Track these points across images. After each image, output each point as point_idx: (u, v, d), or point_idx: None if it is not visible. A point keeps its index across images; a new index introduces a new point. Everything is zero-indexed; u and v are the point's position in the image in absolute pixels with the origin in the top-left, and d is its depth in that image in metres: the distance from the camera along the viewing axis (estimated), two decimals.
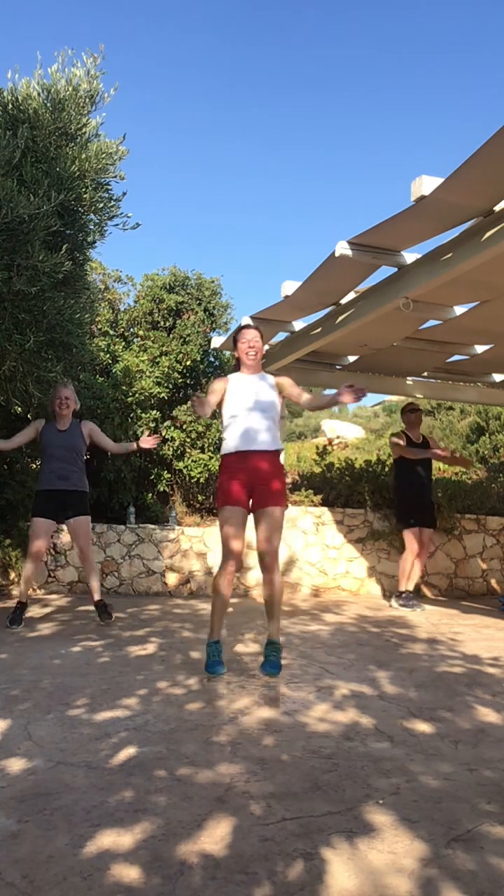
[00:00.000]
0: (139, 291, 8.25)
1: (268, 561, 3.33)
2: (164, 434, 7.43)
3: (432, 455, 6.10)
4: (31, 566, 4.53)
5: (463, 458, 7.14)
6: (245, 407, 3.40)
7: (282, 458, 3.62)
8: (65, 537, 5.99)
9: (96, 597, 4.64)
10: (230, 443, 3.41)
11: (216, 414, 3.69)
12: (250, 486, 3.35)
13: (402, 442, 6.10)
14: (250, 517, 3.43)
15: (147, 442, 4.75)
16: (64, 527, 5.08)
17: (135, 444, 4.81)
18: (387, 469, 7.21)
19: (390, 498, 6.66)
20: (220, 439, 3.62)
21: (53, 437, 4.61)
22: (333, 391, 3.46)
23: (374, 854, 1.58)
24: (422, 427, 6.70)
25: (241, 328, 3.65)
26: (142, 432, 7.17)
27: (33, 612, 5.09)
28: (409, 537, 5.93)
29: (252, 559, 6.00)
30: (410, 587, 5.91)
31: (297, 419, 27.27)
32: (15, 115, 3.90)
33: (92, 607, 4.82)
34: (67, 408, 4.62)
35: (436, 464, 8.51)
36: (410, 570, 5.91)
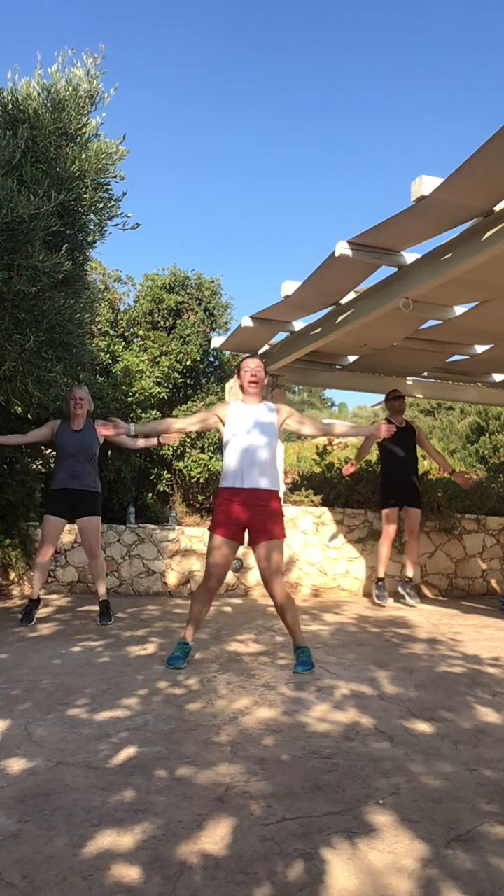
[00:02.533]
0: (139, 291, 8.24)
1: (269, 587, 3.46)
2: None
3: (437, 460, 6.34)
4: (40, 568, 4.59)
5: (468, 478, 7.05)
6: (242, 442, 3.49)
7: (279, 461, 3.70)
8: (65, 537, 5.98)
9: (102, 596, 4.66)
10: (229, 476, 3.49)
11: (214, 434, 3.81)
12: (246, 522, 3.44)
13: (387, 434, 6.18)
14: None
15: (169, 438, 4.74)
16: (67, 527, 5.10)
17: (142, 442, 4.82)
18: None
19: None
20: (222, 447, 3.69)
21: (68, 437, 4.65)
22: (347, 425, 3.67)
23: (375, 854, 1.58)
24: (422, 427, 6.72)
25: (244, 358, 3.74)
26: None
27: (24, 614, 5.08)
28: (386, 519, 5.98)
29: (252, 559, 6.00)
30: (409, 574, 5.99)
31: None
32: (15, 115, 3.89)
33: (95, 607, 4.85)
34: (81, 408, 4.67)
35: (436, 463, 8.53)
36: (386, 555, 6.00)
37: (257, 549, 3.44)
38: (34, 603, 4.54)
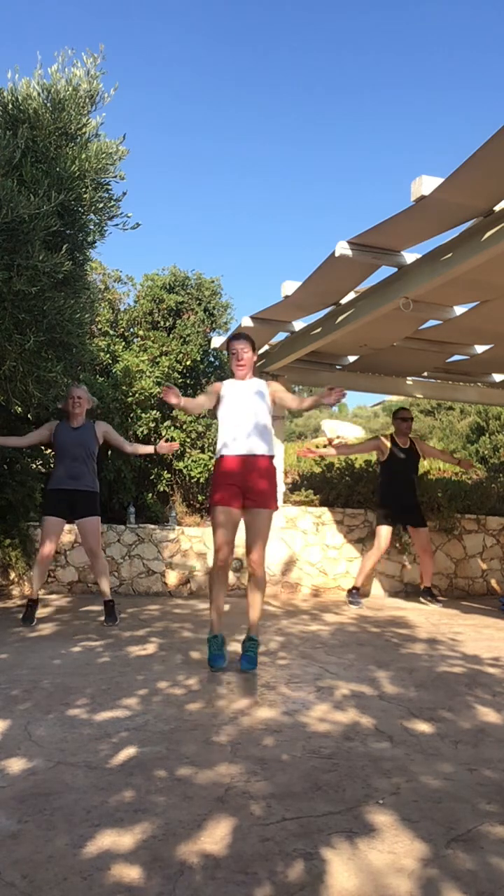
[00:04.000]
0: (139, 291, 8.24)
1: (251, 555, 3.53)
2: (164, 434, 7.43)
3: (443, 457, 6.42)
4: (39, 568, 4.59)
5: (468, 462, 7.10)
6: (237, 412, 3.59)
7: (279, 460, 3.73)
8: (65, 537, 5.98)
9: (107, 596, 4.65)
10: (223, 445, 3.59)
11: (212, 414, 3.85)
12: (242, 487, 3.51)
13: (385, 447, 6.16)
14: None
15: (164, 448, 4.84)
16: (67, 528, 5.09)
17: (153, 448, 4.90)
18: None
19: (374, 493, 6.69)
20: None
21: (66, 435, 4.65)
22: (312, 399, 3.69)
23: (375, 854, 1.58)
24: (422, 427, 6.71)
25: (230, 338, 3.79)
26: (142, 432, 7.18)
27: (25, 614, 5.08)
28: (379, 534, 5.96)
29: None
30: (428, 583, 6.03)
31: (297, 419, 27.26)
32: (15, 115, 3.89)
33: (95, 607, 4.84)
34: (80, 406, 4.68)
35: (436, 463, 8.54)
36: (371, 568, 6.02)
37: (248, 512, 3.52)
38: (34, 603, 4.54)
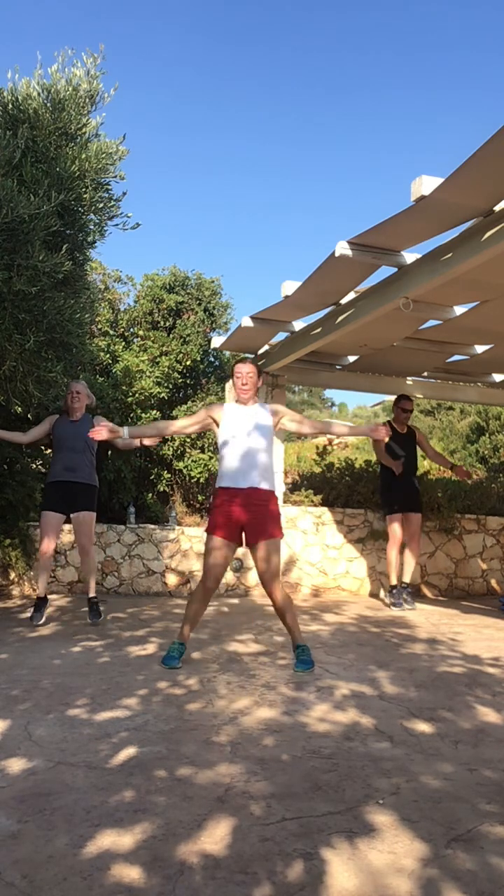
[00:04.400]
0: (139, 291, 8.24)
1: (268, 588, 3.47)
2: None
3: (394, 466, 5.99)
4: (42, 566, 4.61)
5: (466, 472, 7.02)
6: (239, 443, 3.49)
7: (279, 460, 3.71)
8: (65, 538, 5.98)
9: (91, 593, 4.65)
10: (225, 476, 3.49)
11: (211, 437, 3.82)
12: (243, 522, 3.43)
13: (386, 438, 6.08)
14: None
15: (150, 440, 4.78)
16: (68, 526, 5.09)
17: (138, 441, 4.83)
18: None
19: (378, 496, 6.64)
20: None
21: (65, 427, 4.67)
22: (345, 425, 3.84)
23: (374, 854, 1.58)
24: (422, 427, 6.71)
25: (237, 362, 3.74)
26: None
27: (33, 612, 5.09)
28: (392, 526, 5.93)
29: (251, 559, 5.99)
30: (406, 579, 5.94)
31: None
32: (15, 115, 3.89)
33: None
34: (79, 401, 4.69)
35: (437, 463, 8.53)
36: (397, 561, 5.93)
37: (256, 549, 3.43)
38: (42, 601, 4.55)
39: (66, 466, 4.60)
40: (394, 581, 5.90)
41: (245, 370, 3.61)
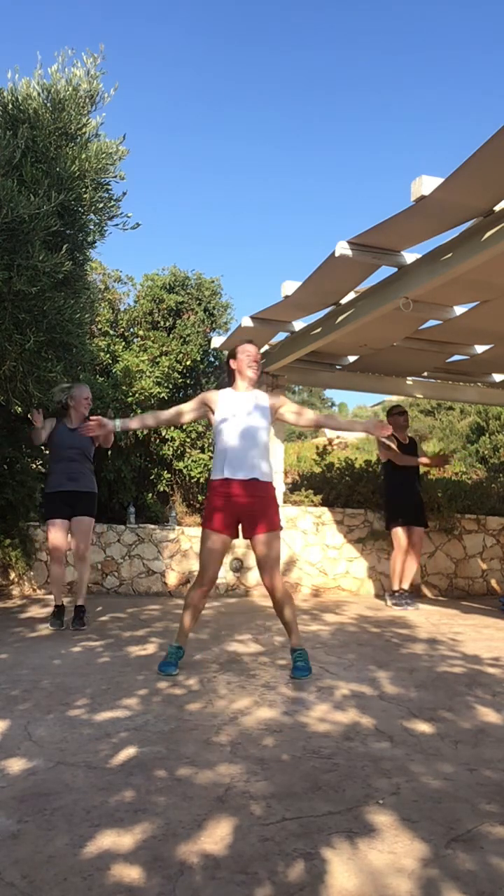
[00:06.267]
0: (139, 291, 8.24)
1: (268, 576, 3.33)
2: (164, 434, 7.43)
3: (420, 463, 6.19)
4: (56, 568, 4.55)
5: (442, 456, 7.12)
6: (237, 430, 3.33)
7: (278, 460, 3.65)
8: None
9: (80, 601, 4.56)
10: (220, 467, 3.34)
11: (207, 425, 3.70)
12: (239, 513, 3.31)
13: (394, 445, 6.07)
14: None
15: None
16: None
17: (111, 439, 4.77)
18: None
19: (380, 499, 6.67)
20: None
21: (64, 435, 4.60)
22: (345, 420, 3.68)
23: (375, 854, 1.58)
24: (422, 427, 6.70)
25: (241, 342, 3.60)
26: (142, 432, 7.19)
27: (33, 612, 5.09)
28: (397, 535, 5.93)
29: (252, 559, 6.00)
30: (406, 586, 5.93)
31: None
32: (15, 115, 3.89)
33: (95, 607, 4.82)
34: (88, 408, 4.64)
35: None
36: (401, 568, 5.92)
37: (256, 539, 3.30)
38: (59, 609, 4.49)
39: (69, 477, 4.55)
40: (396, 586, 5.92)
41: (253, 349, 3.49)
